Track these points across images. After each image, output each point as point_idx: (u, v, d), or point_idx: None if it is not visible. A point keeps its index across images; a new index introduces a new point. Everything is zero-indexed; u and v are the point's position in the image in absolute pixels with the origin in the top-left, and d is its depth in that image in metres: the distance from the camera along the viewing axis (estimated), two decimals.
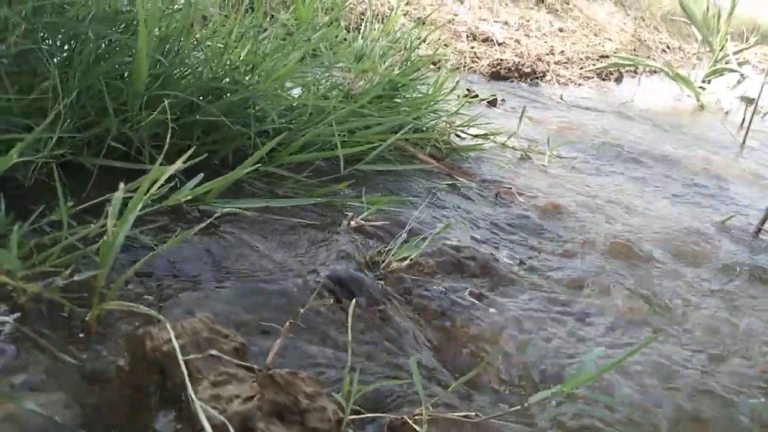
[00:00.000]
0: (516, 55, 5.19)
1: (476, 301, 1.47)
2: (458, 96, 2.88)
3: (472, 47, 5.10)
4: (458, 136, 2.70)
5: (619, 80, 5.87)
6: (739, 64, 6.07)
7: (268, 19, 2.13)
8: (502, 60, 4.90)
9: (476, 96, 3.63)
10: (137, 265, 0.99)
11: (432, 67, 3.27)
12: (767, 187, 3.16)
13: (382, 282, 1.39)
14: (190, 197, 1.28)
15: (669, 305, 1.68)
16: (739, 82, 6.02)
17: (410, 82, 2.37)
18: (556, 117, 3.86)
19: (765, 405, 1.33)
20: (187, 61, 1.63)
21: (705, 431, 1.22)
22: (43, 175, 1.30)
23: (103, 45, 1.47)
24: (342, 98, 2.06)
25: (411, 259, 1.51)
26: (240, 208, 1.40)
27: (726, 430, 1.23)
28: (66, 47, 1.43)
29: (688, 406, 1.27)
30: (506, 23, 6.04)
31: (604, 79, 5.69)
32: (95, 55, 1.42)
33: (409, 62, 2.46)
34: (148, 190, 1.03)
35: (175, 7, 1.63)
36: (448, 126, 2.58)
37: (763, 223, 2.37)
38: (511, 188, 2.33)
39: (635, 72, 6.33)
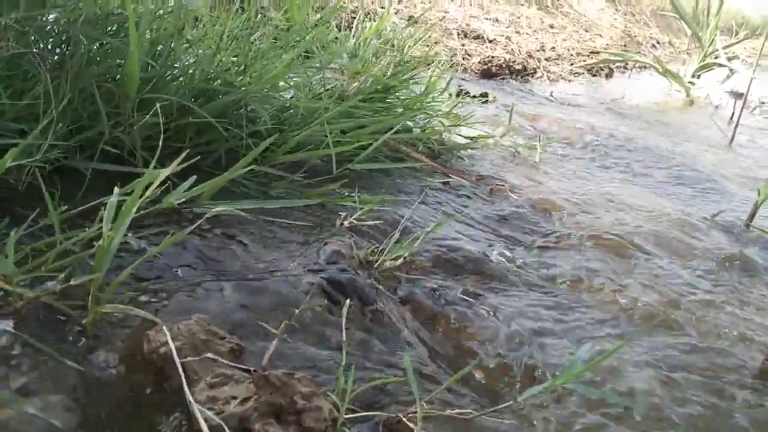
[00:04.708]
0: (507, 52, 5.21)
1: (469, 299, 1.49)
2: (450, 95, 2.89)
3: (463, 44, 5.12)
4: (450, 134, 2.72)
5: (609, 76, 5.89)
6: (729, 59, 6.10)
7: (260, 17, 2.13)
8: (493, 57, 4.92)
9: (468, 94, 3.65)
10: (131, 267, 1.00)
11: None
12: (756, 181, 3.19)
13: (376, 281, 1.41)
14: (183, 199, 1.29)
15: (660, 299, 1.70)
16: (728, 76, 6.05)
17: (402, 83, 2.38)
18: (547, 114, 3.88)
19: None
20: (178, 63, 1.63)
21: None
22: (36, 179, 1.30)
23: (95, 48, 1.47)
24: (335, 99, 2.06)
25: (404, 258, 1.52)
26: (233, 209, 1.41)
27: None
28: (57, 50, 1.43)
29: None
30: (497, 20, 6.06)
31: (594, 75, 5.72)
32: (87, 58, 1.42)
33: (401, 63, 2.47)
34: (141, 194, 1.03)
35: (167, 8, 1.64)
36: (440, 124, 2.59)
37: (752, 217, 2.40)
38: (503, 185, 2.35)
39: (625, 68, 6.36)
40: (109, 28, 1.50)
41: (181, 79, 1.65)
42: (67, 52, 1.40)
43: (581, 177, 2.74)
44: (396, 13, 4.67)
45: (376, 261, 1.49)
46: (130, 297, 1.06)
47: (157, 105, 1.38)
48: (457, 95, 3.28)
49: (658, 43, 7.97)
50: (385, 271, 1.47)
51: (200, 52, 1.71)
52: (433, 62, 3.04)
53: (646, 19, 8.62)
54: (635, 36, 7.67)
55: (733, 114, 4.52)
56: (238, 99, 1.69)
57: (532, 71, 5.05)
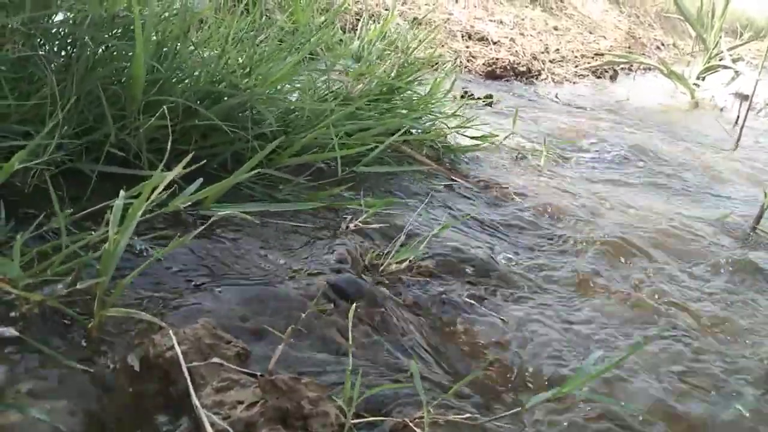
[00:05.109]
0: (511, 54, 5.20)
1: (475, 303, 1.48)
2: (454, 97, 2.89)
3: (468, 46, 5.11)
4: (455, 136, 2.71)
5: (613, 78, 5.88)
6: (733, 61, 6.09)
7: (265, 19, 2.13)
8: (497, 59, 4.91)
9: (472, 96, 3.65)
10: (137, 271, 0.99)
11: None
12: (762, 183, 3.17)
13: (382, 285, 1.40)
14: (189, 203, 1.28)
15: (667, 303, 1.69)
16: (733, 78, 6.04)
17: (407, 85, 2.38)
18: (551, 116, 3.87)
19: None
20: (183, 65, 1.63)
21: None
22: (42, 182, 1.30)
23: (100, 50, 1.47)
24: (340, 101, 2.06)
25: (410, 261, 1.51)
26: (239, 213, 1.41)
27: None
28: (63, 53, 1.43)
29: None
30: (501, 22, 6.05)
31: (599, 77, 5.71)
32: (92, 60, 1.42)
33: (406, 65, 2.47)
34: (148, 198, 1.03)
35: (173, 10, 1.63)
36: (445, 127, 2.59)
37: (758, 219, 2.39)
38: (507, 188, 2.34)
39: (630, 69, 6.35)
40: (114, 31, 1.49)
41: (186, 81, 1.64)
42: (73, 54, 1.40)
43: (585, 180, 2.73)
44: (400, 15, 4.67)
45: (382, 264, 1.48)
46: (136, 300, 1.06)
47: (164, 107, 1.38)
48: (462, 97, 3.28)
49: (663, 44, 7.95)
50: (391, 274, 1.47)
51: (206, 54, 1.70)
52: (437, 64, 3.04)
53: (650, 20, 8.60)
54: (639, 38, 7.66)
55: (738, 116, 4.51)
56: (243, 101, 1.68)
57: (536, 73, 5.04)
